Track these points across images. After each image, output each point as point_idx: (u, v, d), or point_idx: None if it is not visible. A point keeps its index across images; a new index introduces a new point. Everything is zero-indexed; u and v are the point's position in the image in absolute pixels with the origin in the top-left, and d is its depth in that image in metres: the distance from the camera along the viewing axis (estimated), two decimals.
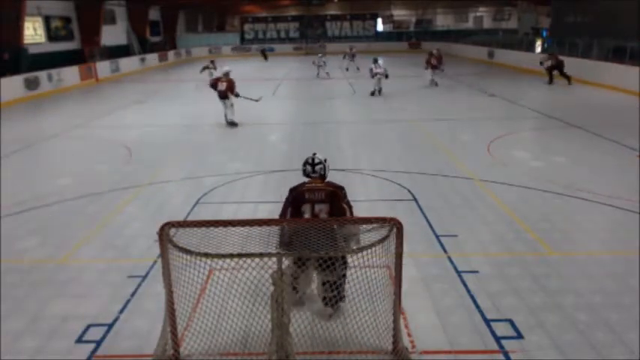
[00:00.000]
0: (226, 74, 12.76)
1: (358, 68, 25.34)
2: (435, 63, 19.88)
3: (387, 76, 17.53)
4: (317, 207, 4.12)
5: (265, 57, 36.69)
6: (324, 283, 4.10)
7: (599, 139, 10.74)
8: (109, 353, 4.02)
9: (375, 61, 17.58)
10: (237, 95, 12.71)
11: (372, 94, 17.78)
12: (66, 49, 24.83)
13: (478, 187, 7.79)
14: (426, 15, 48.31)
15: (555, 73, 19.21)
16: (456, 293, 4.78)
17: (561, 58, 19.36)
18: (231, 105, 12.83)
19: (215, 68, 20.80)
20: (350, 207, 4.17)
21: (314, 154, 4.37)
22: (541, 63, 19.85)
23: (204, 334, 3.78)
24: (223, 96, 12.63)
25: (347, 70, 26.10)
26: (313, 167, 4.26)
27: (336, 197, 4.13)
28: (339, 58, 29.19)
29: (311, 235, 3.40)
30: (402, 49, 41.30)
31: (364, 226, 3.67)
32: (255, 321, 4.17)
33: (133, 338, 4.18)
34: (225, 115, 13.02)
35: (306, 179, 4.32)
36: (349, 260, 4.07)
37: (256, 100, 13.15)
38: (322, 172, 4.28)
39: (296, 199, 4.17)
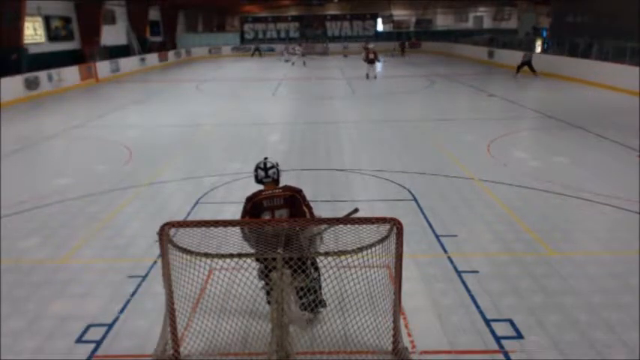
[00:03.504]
0: (372, 47, 23.50)
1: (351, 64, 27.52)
2: (372, 57, 23.32)
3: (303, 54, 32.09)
4: (277, 213, 3.99)
5: (260, 54, 38.85)
6: (299, 291, 3.94)
7: (599, 139, 10.74)
8: (109, 353, 4.02)
9: (299, 44, 34.43)
10: (379, 60, 23.27)
11: (293, 64, 30.19)
12: (66, 49, 24.79)
13: (478, 187, 7.79)
14: (426, 15, 48.19)
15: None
16: (455, 293, 4.78)
17: (405, 42, 37.16)
18: (375, 68, 22.76)
19: (260, 50, 38.64)
20: (310, 209, 4.06)
21: (265, 158, 4.22)
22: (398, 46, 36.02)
23: (204, 334, 3.78)
24: (372, 62, 22.38)
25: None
26: (266, 172, 4.11)
27: (296, 201, 4.02)
28: (337, 58, 29.36)
29: (282, 238, 3.38)
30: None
31: (325, 225, 3.63)
32: (255, 321, 4.17)
33: (133, 338, 4.18)
34: (367, 74, 22.58)
35: (261, 186, 4.16)
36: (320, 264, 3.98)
37: (384, 61, 25.06)
38: (275, 177, 4.13)
39: (254, 207, 4.02)
